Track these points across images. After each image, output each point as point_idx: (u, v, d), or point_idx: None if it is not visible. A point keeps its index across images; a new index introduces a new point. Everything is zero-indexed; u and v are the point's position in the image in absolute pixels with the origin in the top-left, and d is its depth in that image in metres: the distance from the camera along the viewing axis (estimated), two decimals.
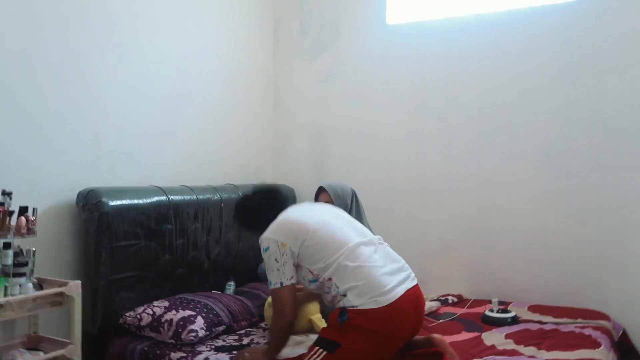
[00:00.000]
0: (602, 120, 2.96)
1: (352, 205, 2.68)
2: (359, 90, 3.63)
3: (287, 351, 2.17)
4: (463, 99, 3.31)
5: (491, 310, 2.77)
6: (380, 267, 1.98)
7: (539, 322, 2.67)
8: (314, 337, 2.37)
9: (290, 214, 2.17)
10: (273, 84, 3.90)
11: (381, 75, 3.55)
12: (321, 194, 2.77)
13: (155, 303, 2.48)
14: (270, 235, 2.07)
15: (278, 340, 2.11)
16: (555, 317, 2.74)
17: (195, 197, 2.84)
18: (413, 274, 2.08)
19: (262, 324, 2.66)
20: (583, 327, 2.54)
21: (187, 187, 2.88)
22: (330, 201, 2.70)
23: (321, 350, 1.92)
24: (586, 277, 3.00)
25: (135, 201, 2.51)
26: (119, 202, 2.42)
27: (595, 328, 2.52)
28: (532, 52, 3.12)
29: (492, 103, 3.23)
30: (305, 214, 2.15)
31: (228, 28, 3.46)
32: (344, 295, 1.94)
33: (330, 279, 1.98)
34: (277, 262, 2.01)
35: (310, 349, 1.97)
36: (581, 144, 3.01)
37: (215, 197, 2.99)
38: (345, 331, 1.90)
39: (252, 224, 2.28)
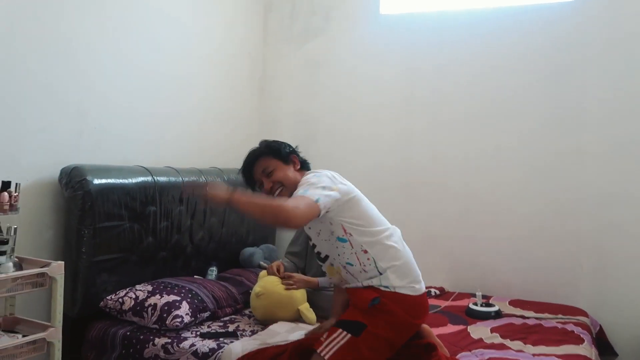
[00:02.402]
0: (587, 122, 3.01)
1: None
2: (348, 79, 3.60)
3: (281, 337, 2.11)
4: (452, 93, 3.31)
5: (475, 304, 2.79)
6: (411, 253, 1.95)
7: (522, 316, 2.71)
8: (303, 325, 2.36)
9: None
10: (260, 68, 3.82)
11: (371, 65, 3.52)
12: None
13: (138, 287, 2.40)
14: (328, 172, 1.89)
15: (255, 210, 1.75)
16: (536, 312, 2.78)
17: (180, 179, 2.76)
18: None
19: (247, 311, 2.61)
20: (564, 323, 2.58)
21: (173, 168, 2.79)
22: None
23: (345, 332, 1.81)
24: (565, 274, 3.06)
25: (121, 181, 2.42)
26: (103, 181, 2.33)
27: (576, 324, 2.57)
28: (524, 51, 3.14)
29: (481, 98, 3.24)
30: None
31: (217, 9, 3.37)
32: (381, 273, 1.86)
33: (366, 251, 1.87)
34: (324, 190, 1.78)
35: (332, 331, 1.85)
36: (566, 144, 3.06)
37: (201, 179, 2.92)
38: (373, 315, 1.84)
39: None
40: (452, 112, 3.31)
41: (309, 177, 1.88)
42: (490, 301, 2.92)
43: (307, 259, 2.77)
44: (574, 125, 3.03)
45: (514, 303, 2.94)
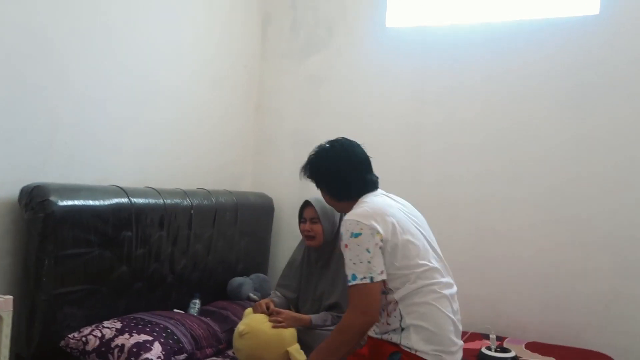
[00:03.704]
0: (613, 148, 2.74)
1: (340, 225, 2.37)
2: (352, 96, 3.34)
3: None
4: (464, 115, 3.05)
5: (488, 348, 2.48)
6: (450, 319, 1.71)
7: None
8: None
9: (384, 202, 1.83)
10: (257, 83, 3.58)
11: (376, 81, 3.27)
12: (306, 210, 2.46)
13: (106, 323, 2.11)
14: (364, 220, 1.70)
15: (340, 347, 1.70)
16: (557, 358, 2.48)
17: (162, 201, 2.49)
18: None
19: (230, 352, 2.32)
20: None
21: (153, 189, 2.53)
22: (316, 217, 2.39)
23: None
24: (588, 315, 2.77)
25: (91, 202, 2.15)
26: (70, 203, 2.06)
27: None
28: (543, 69, 2.88)
29: (496, 121, 2.98)
30: (396, 209, 1.81)
31: (212, 20, 3.14)
32: (403, 329, 1.65)
33: (396, 302, 1.68)
34: (369, 252, 1.65)
35: None
36: (590, 170, 2.78)
37: (185, 202, 2.65)
38: None
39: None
40: (464, 136, 3.04)
41: (349, 245, 1.70)
42: (505, 344, 2.63)
43: (300, 291, 2.48)
44: (600, 151, 2.76)
45: (531, 347, 2.65)
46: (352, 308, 1.69)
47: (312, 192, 3.21)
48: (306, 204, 2.44)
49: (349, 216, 1.75)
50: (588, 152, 2.78)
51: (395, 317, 1.69)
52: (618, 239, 2.71)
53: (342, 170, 1.90)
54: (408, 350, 1.64)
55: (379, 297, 1.68)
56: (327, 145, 1.97)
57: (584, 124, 2.80)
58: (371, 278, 1.65)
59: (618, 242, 2.71)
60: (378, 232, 1.67)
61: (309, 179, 2.02)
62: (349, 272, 1.69)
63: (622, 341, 2.67)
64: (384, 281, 1.69)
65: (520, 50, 2.94)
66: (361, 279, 1.65)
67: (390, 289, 1.70)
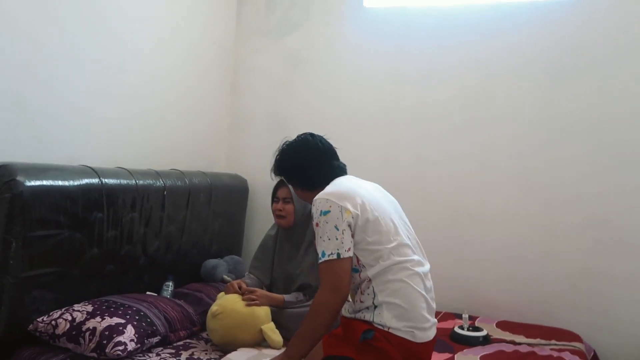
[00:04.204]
0: (586, 131, 2.77)
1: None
2: (328, 77, 3.31)
3: None
4: (442, 97, 3.04)
5: (461, 327, 2.52)
6: (423, 297, 1.72)
7: (512, 342, 2.46)
8: (268, 352, 2.06)
9: (353, 183, 1.86)
10: (232, 63, 3.51)
11: (354, 62, 3.24)
12: (280, 189, 2.44)
13: (76, 307, 2.06)
14: (333, 198, 1.72)
15: (315, 329, 1.71)
16: (527, 336, 2.55)
17: (134, 182, 2.44)
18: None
19: (205, 334, 2.30)
20: (560, 350, 2.34)
21: (125, 169, 2.46)
22: (289, 198, 2.38)
23: None
24: (558, 294, 2.82)
25: (60, 182, 2.08)
26: (38, 183, 1.99)
27: (572, 352, 2.33)
28: (520, 52, 2.89)
29: (472, 103, 2.98)
30: (365, 189, 1.83)
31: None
32: (376, 307, 1.67)
33: (370, 280, 1.69)
34: (337, 229, 1.68)
35: None
36: (563, 156, 2.81)
37: (158, 183, 2.59)
38: (365, 351, 1.63)
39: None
40: (441, 118, 3.04)
41: (319, 223, 1.72)
42: (477, 323, 2.69)
43: (272, 275, 2.47)
44: (572, 135, 2.79)
45: (503, 325, 2.70)
46: (322, 286, 1.71)
47: None
48: (280, 184, 2.43)
49: (319, 196, 1.77)
50: (561, 135, 2.81)
51: (368, 294, 1.69)
52: (587, 221, 2.75)
53: (308, 160, 1.93)
54: (381, 327, 1.65)
55: (347, 274, 1.69)
56: (290, 140, 2.01)
57: (558, 107, 2.81)
58: (338, 254, 1.67)
59: (587, 223, 2.75)
60: (347, 210, 1.69)
61: (281, 177, 2.07)
62: (319, 249, 1.71)
63: (589, 318, 2.73)
64: (357, 259, 1.71)
65: (497, 32, 2.94)
66: (329, 255, 1.68)
67: (363, 265, 1.70)
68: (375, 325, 1.66)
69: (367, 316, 1.68)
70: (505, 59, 2.92)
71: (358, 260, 1.72)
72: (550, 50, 2.83)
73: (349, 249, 1.69)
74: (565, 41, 2.81)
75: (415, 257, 1.76)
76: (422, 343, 1.67)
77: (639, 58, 2.68)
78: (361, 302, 1.71)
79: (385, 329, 1.64)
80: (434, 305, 1.79)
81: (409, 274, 1.70)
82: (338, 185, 1.84)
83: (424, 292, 1.73)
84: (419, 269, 1.75)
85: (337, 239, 1.68)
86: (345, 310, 1.80)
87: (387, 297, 1.67)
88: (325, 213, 1.70)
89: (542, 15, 2.85)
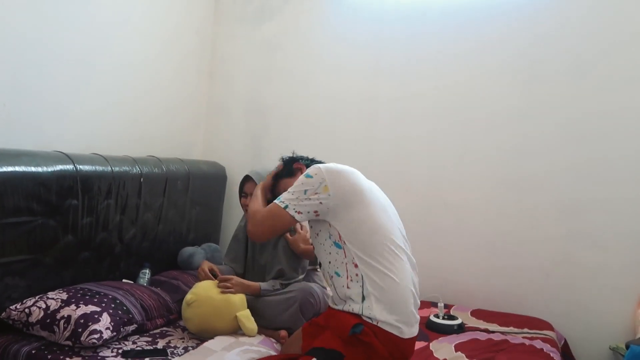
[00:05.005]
0: (560, 120, 2.80)
1: None
2: (307, 65, 3.29)
3: (217, 356, 1.84)
4: (419, 88, 3.05)
5: (436, 316, 2.56)
6: (411, 292, 1.75)
7: (486, 330, 2.50)
8: (245, 340, 2.06)
9: (355, 172, 1.87)
10: (209, 48, 3.47)
11: (332, 52, 3.23)
12: (247, 184, 2.42)
13: (50, 294, 2.03)
14: (324, 169, 1.78)
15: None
16: (500, 325, 2.59)
17: (109, 168, 2.40)
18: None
19: (181, 322, 2.28)
20: (532, 339, 2.39)
21: (101, 156, 2.42)
22: None
23: None
24: (530, 283, 2.87)
25: (32, 169, 2.03)
26: (9, 169, 1.94)
27: (544, 340, 2.38)
28: (498, 47, 2.91)
29: (449, 95, 3.00)
30: (366, 184, 1.86)
31: None
32: (364, 298, 1.66)
33: (356, 265, 1.69)
34: (305, 194, 1.74)
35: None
36: (538, 145, 2.84)
37: (134, 170, 2.55)
38: (352, 344, 1.63)
39: None
40: (418, 108, 3.05)
41: (298, 180, 1.81)
42: (452, 311, 2.73)
43: (246, 264, 2.47)
44: (548, 128, 2.82)
45: (477, 314, 2.74)
46: (249, 219, 1.86)
47: (265, 161, 3.20)
48: (246, 179, 2.42)
49: (314, 166, 1.82)
50: (537, 127, 2.84)
51: (357, 282, 1.69)
52: (562, 211, 2.80)
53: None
54: (369, 321, 1.66)
55: (279, 227, 1.79)
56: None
57: (535, 99, 2.84)
58: (287, 206, 1.74)
59: (561, 214, 2.80)
60: (326, 186, 1.73)
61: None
62: (279, 197, 1.79)
63: (560, 307, 2.80)
64: (339, 234, 1.74)
65: (473, 21, 2.95)
66: (279, 202, 1.77)
67: (345, 242, 1.72)
68: (364, 319, 1.66)
69: (356, 308, 1.68)
70: (483, 50, 2.93)
71: (340, 235, 1.73)
72: (527, 43, 2.85)
73: (300, 212, 1.74)
74: (544, 35, 2.83)
75: (405, 254, 1.78)
76: (407, 339, 1.69)
77: (615, 51, 2.72)
78: (348, 288, 1.71)
79: (374, 323, 1.65)
80: (419, 301, 1.82)
81: (399, 268, 1.72)
82: (339, 164, 1.86)
83: (412, 288, 1.75)
84: (408, 264, 1.77)
85: (297, 198, 1.74)
86: (332, 302, 1.80)
87: (377, 290, 1.67)
88: (308, 176, 1.77)
89: (516, 8, 2.87)
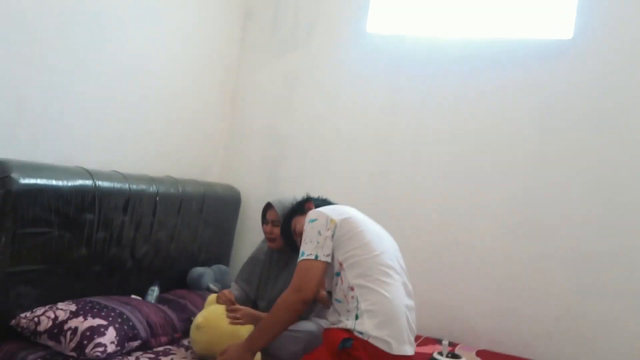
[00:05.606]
0: (575, 168, 2.80)
1: None
2: (327, 98, 3.36)
3: None
4: (436, 124, 3.09)
5: (440, 353, 2.53)
6: (404, 313, 1.82)
7: None
8: None
9: (344, 207, 2.06)
10: (234, 77, 3.57)
11: (353, 85, 3.30)
12: (268, 212, 2.47)
13: (60, 305, 2.08)
14: (322, 210, 1.96)
15: (275, 324, 1.85)
16: None
17: (127, 186, 2.47)
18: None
19: (186, 341, 2.31)
20: None
21: (120, 173, 2.50)
22: (277, 220, 2.41)
23: None
24: (538, 327, 2.82)
25: (53, 182, 2.11)
26: (32, 181, 2.02)
27: None
28: (516, 88, 2.94)
29: (465, 133, 3.03)
30: (362, 218, 2.01)
31: (194, 10, 3.12)
32: (357, 317, 1.74)
33: (352, 289, 1.79)
34: (320, 234, 1.87)
35: None
36: (551, 188, 2.84)
37: (151, 189, 2.63)
38: (341, 358, 1.70)
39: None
40: (435, 146, 3.08)
41: (306, 229, 1.92)
42: (457, 350, 2.68)
43: (259, 287, 2.49)
44: (561, 170, 2.82)
45: (482, 354, 2.70)
46: (290, 285, 1.85)
47: (280, 188, 3.25)
48: (268, 207, 2.46)
49: (311, 211, 1.96)
50: (550, 172, 2.84)
51: (353, 304, 1.77)
52: (574, 257, 2.77)
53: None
54: (360, 336, 1.70)
55: (319, 277, 1.83)
56: None
57: (549, 143, 2.85)
58: (316, 256, 1.83)
59: (574, 260, 2.77)
60: (332, 220, 1.86)
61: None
62: (301, 250, 1.87)
63: (569, 353, 2.75)
64: (340, 263, 1.84)
65: (492, 67, 2.99)
66: (307, 255, 1.84)
67: (344, 269, 1.82)
68: (355, 334, 1.71)
69: (349, 324, 1.74)
70: (498, 93, 2.97)
71: (340, 264, 1.83)
72: (546, 91, 2.87)
73: (328, 255, 1.83)
74: (563, 83, 2.85)
75: (400, 279, 1.86)
76: (396, 355, 1.70)
77: (633, 102, 2.72)
78: (348, 311, 1.79)
79: (365, 338, 1.70)
80: (414, 327, 1.85)
81: (392, 287, 1.80)
82: (331, 206, 2.07)
83: (405, 309, 1.81)
84: (402, 288, 1.85)
85: (318, 242, 1.85)
86: (329, 323, 1.88)
87: (370, 306, 1.74)
88: (313, 221, 1.88)
89: (536, 54, 2.91)
